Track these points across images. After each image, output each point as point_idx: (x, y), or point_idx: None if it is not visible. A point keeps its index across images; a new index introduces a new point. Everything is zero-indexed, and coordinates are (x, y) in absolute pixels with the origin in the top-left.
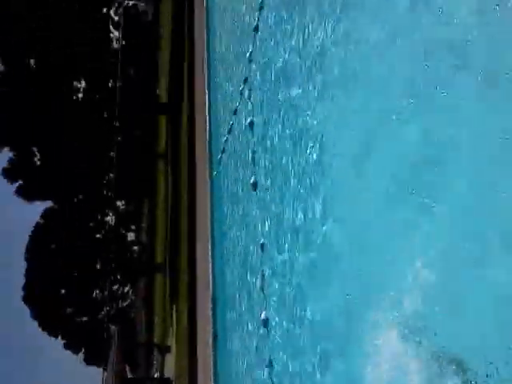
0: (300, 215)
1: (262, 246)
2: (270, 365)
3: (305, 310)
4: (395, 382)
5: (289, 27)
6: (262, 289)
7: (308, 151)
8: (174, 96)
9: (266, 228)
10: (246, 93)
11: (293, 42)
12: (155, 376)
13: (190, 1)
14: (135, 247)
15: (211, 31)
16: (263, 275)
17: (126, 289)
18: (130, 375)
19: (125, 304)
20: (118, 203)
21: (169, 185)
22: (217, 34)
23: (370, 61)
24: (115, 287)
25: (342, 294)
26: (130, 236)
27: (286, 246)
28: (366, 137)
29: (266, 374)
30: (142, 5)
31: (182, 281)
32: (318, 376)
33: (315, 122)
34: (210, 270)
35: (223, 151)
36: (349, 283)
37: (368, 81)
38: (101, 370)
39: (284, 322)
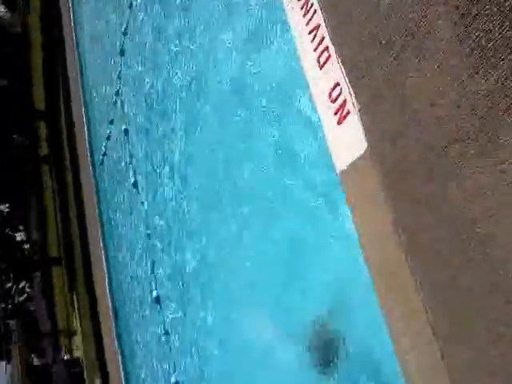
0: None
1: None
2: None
3: None
4: None
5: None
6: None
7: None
8: (51, 103)
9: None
10: (119, 103)
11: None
12: (64, 358)
13: (57, 13)
14: (26, 245)
15: (80, 43)
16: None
17: (22, 284)
18: (38, 363)
19: (21, 298)
20: (2, 207)
21: (54, 184)
22: (85, 45)
23: None
24: (8, 285)
25: None
26: (20, 235)
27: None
28: None
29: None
30: (6, 17)
31: (79, 269)
32: None
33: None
34: (104, 257)
35: (104, 154)
36: None
37: None
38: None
39: None
